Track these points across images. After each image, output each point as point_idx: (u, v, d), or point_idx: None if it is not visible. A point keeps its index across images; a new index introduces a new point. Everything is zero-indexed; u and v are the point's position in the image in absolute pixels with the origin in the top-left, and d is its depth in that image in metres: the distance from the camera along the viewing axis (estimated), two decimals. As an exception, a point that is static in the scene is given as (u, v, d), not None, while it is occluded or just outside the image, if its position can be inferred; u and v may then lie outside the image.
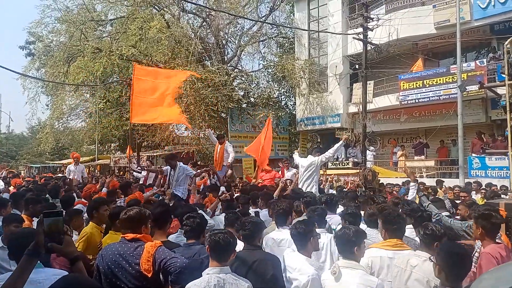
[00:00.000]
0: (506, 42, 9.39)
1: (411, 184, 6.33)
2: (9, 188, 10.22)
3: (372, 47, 15.33)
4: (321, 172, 15.14)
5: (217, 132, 15.62)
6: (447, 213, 5.33)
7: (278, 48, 21.99)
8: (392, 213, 3.79)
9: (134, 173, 11.91)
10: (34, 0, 43.18)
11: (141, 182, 9.74)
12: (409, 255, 3.28)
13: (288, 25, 21.26)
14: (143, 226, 3.11)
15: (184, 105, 16.25)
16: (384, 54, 16.63)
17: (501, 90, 12.45)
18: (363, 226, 4.58)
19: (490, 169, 12.99)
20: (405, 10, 16.10)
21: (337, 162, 17.75)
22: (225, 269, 2.83)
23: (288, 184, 8.02)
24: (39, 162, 39.76)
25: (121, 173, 23.60)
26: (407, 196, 6.37)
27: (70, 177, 10.78)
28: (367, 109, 14.82)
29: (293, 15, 21.24)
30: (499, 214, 3.67)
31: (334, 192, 8.44)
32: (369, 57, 15.30)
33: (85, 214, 4.99)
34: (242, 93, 18.76)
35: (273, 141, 19.96)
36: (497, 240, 3.54)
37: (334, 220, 4.90)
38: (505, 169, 12.40)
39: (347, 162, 17.16)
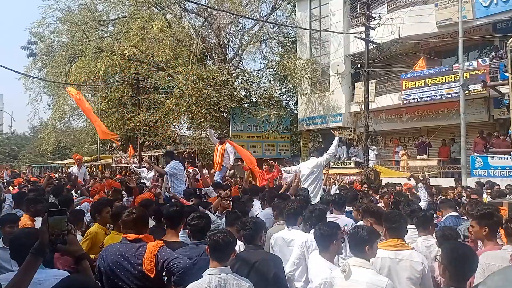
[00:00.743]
0: (509, 41, 9.38)
1: (419, 185, 6.32)
2: (9, 188, 10.22)
3: (374, 46, 15.31)
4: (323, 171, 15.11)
5: (219, 132, 15.61)
6: (455, 213, 5.30)
7: (280, 48, 21.97)
8: (392, 212, 3.77)
9: (141, 174, 11.88)
10: (36, 1, 43.23)
11: (148, 183, 9.66)
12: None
13: (290, 25, 21.22)
14: (145, 227, 3.11)
15: (186, 105, 16.27)
16: (386, 53, 16.61)
17: (504, 89, 12.43)
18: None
19: (492, 168, 12.93)
20: (407, 9, 16.05)
21: (339, 162, 17.71)
22: (225, 269, 2.81)
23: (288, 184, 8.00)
24: (41, 162, 39.84)
25: (124, 172, 23.62)
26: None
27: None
28: (369, 108, 14.80)
29: (295, 14, 21.21)
30: (499, 213, 3.65)
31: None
32: (371, 56, 15.28)
33: (88, 214, 4.99)
34: (243, 93, 18.74)
35: (274, 140, 20.21)
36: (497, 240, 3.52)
37: (341, 220, 4.87)
38: (507, 168, 12.37)
39: (349, 161, 17.13)
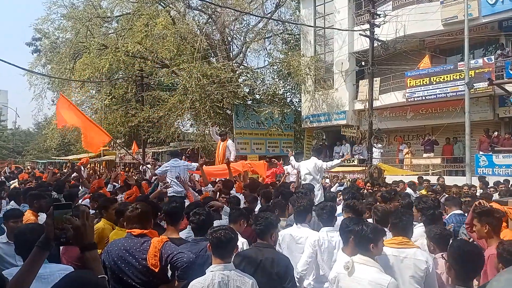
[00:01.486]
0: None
1: None
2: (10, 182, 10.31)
3: (379, 43, 15.22)
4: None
5: (222, 129, 15.62)
6: (460, 211, 5.27)
7: (284, 45, 21.89)
8: (398, 209, 3.75)
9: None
10: (41, -3, 43.23)
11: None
12: None
13: (294, 22, 21.14)
14: (150, 222, 3.12)
15: (189, 102, 16.27)
16: (390, 51, 16.51)
17: (510, 87, 12.36)
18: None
19: (497, 167, 12.86)
20: (412, 6, 15.95)
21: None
22: (229, 266, 2.81)
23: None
24: (45, 158, 40.00)
25: (127, 169, 23.67)
26: None
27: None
28: (373, 106, 14.73)
29: (299, 11, 21.13)
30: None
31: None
32: (376, 53, 15.20)
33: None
34: (247, 90, 18.69)
35: (278, 138, 20.18)
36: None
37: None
38: (512, 167, 12.31)
39: (353, 159, 17.09)
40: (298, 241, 4.11)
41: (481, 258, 2.57)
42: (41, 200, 5.14)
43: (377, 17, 14.59)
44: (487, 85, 13.30)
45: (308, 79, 18.85)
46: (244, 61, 21.07)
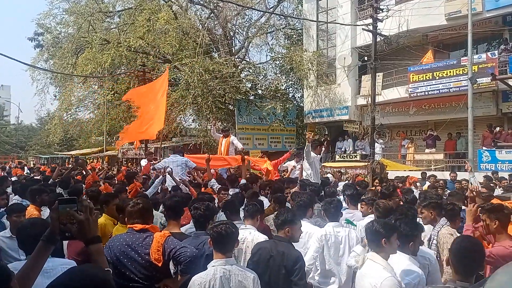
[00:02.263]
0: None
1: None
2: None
3: (382, 38, 15.14)
4: (328, 164, 15.12)
5: (224, 124, 15.61)
6: (463, 207, 5.26)
7: (286, 40, 21.82)
8: (401, 206, 3.75)
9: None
10: (43, -8, 43.18)
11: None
12: None
13: (296, 16, 21.05)
14: (151, 217, 3.14)
15: (191, 97, 16.27)
16: (393, 46, 16.43)
17: (513, 82, 12.28)
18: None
19: (500, 162, 12.82)
20: (415, 1, 15.81)
21: (345, 155, 17.66)
22: (230, 261, 2.83)
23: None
24: (48, 153, 40.18)
25: (129, 164, 23.73)
26: None
27: None
28: (375, 101, 14.67)
29: (301, 6, 21.03)
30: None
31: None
32: (378, 48, 15.11)
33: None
34: (249, 85, 18.67)
35: (280, 133, 20.17)
36: None
37: (357, 215, 4.85)
38: (515, 162, 12.27)
39: (355, 154, 17.06)
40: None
41: (478, 254, 2.56)
42: (43, 195, 5.16)
43: (380, 11, 14.49)
44: (490, 80, 13.21)
45: (310, 74, 18.80)
46: (246, 56, 21.07)
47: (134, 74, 21.51)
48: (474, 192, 4.88)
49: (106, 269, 1.78)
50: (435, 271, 3.33)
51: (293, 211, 3.65)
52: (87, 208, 1.80)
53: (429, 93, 15.51)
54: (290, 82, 21.74)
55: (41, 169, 16.33)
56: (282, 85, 20.24)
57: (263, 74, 19.60)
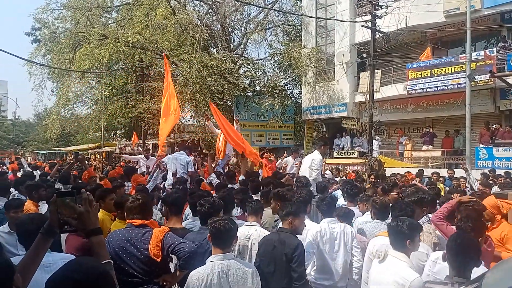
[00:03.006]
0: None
1: None
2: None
3: (380, 35, 15.14)
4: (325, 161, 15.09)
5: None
6: None
7: (285, 36, 21.76)
8: (399, 201, 3.76)
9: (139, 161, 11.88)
10: (40, -14, 42.90)
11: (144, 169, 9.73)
12: None
13: (295, 13, 21.00)
14: (150, 213, 3.15)
15: (189, 93, 16.23)
16: (392, 43, 16.43)
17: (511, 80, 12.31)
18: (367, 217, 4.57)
19: (497, 160, 12.88)
20: (414, -2, 15.83)
21: (343, 152, 17.69)
22: (228, 256, 2.84)
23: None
24: (46, 148, 40.07)
25: (127, 160, 23.69)
26: None
27: None
28: (374, 98, 14.70)
29: (300, 2, 20.98)
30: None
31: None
32: (377, 45, 15.12)
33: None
34: (248, 81, 18.64)
35: (278, 130, 20.19)
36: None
37: (355, 211, 4.85)
38: (512, 159, 12.32)
39: (353, 151, 17.10)
40: None
41: (473, 250, 2.57)
42: (40, 190, 5.15)
43: (379, 8, 14.49)
44: (488, 78, 13.24)
45: (309, 71, 18.79)
46: (244, 52, 21.01)
47: (132, 69, 21.45)
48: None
49: (107, 261, 1.78)
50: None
51: (298, 204, 3.74)
52: (87, 200, 1.80)
53: (427, 90, 15.54)
54: (289, 79, 21.72)
55: (37, 164, 16.20)
56: (281, 82, 20.21)
57: (262, 71, 19.57)
